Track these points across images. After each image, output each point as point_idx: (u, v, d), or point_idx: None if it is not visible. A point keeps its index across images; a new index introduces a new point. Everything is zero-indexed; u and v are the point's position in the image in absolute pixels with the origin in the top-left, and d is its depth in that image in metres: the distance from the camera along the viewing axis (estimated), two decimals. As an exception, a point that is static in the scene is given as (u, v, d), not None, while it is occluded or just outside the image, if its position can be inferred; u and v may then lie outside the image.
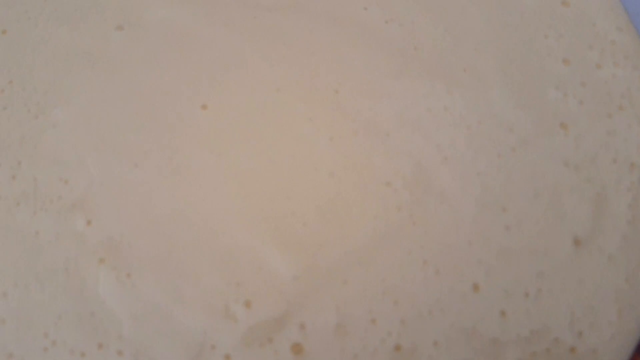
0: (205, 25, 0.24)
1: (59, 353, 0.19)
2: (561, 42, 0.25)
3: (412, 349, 0.19)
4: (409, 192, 0.21)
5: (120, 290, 0.20)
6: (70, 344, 0.19)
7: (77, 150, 0.22)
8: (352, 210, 0.21)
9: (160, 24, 0.24)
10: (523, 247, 0.20)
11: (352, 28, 0.24)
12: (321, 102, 0.23)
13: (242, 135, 0.22)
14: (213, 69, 0.23)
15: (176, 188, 0.21)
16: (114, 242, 0.21)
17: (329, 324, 0.19)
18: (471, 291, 0.20)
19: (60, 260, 0.21)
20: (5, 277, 0.20)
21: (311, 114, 0.23)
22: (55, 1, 0.25)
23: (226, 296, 0.20)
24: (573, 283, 0.20)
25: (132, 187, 0.21)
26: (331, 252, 0.20)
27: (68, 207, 0.21)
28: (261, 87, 0.23)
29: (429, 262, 0.20)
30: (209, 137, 0.22)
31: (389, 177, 0.22)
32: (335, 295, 0.20)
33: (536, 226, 0.21)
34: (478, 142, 0.22)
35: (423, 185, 0.21)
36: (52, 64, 0.24)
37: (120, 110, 0.23)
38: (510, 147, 0.22)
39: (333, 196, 0.21)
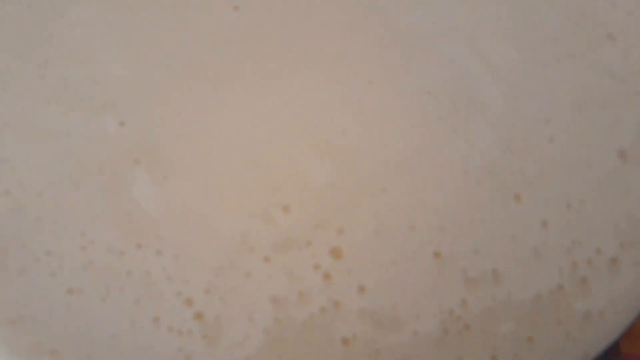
0: None
1: (97, 252, 0.19)
2: (613, -51, 0.23)
3: (451, 256, 0.19)
4: (451, 101, 0.21)
5: (157, 192, 0.20)
6: (108, 243, 0.19)
7: (107, 50, 0.21)
8: (391, 119, 0.21)
9: None
10: (566, 158, 0.20)
11: None
12: (359, 8, 0.22)
13: (275, 39, 0.22)
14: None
15: (210, 92, 0.21)
16: (149, 144, 0.20)
17: (367, 230, 0.19)
18: (513, 201, 0.19)
19: (94, 161, 0.20)
20: (39, 176, 0.20)
21: (349, 20, 0.22)
22: None
23: (265, 201, 0.20)
24: (617, 196, 0.20)
25: (165, 90, 0.21)
26: (370, 160, 0.20)
27: (99, 107, 0.21)
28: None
29: (470, 172, 0.20)
30: (241, 39, 0.21)
31: (430, 86, 0.21)
32: (374, 203, 0.20)
33: (580, 138, 0.20)
34: (522, 52, 0.21)
35: (465, 95, 0.21)
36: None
37: (148, 10, 0.22)
38: (555, 58, 0.22)
39: (372, 104, 0.21)
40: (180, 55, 0.21)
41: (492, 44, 0.21)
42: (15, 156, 0.20)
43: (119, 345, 0.19)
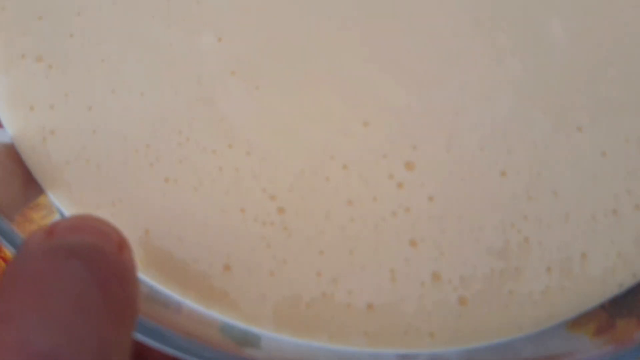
0: None
1: (192, 148, 0.21)
2: None
3: (516, 176, 0.21)
4: (522, 39, 0.22)
5: (249, 101, 0.22)
6: (202, 142, 0.21)
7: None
8: (466, 52, 0.22)
9: None
10: (626, 97, 0.21)
11: None
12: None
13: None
14: None
15: (302, 18, 0.23)
16: (244, 58, 0.22)
17: (439, 148, 0.21)
18: (575, 131, 0.21)
19: (193, 70, 0.22)
20: (143, 79, 0.22)
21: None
22: None
23: (346, 116, 0.21)
24: (673, 135, 0.21)
25: (261, 13, 0.23)
26: (445, 86, 0.22)
27: (200, 24, 0.23)
28: None
29: (537, 104, 0.21)
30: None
31: (503, 26, 0.22)
32: (447, 124, 0.21)
33: (640, 82, 0.22)
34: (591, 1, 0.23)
35: (535, 35, 0.22)
36: None
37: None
38: (620, 7, 0.23)
39: (449, 36, 0.22)
40: (277, -19, 0.23)
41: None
42: (121, 61, 0.22)
43: (208, 230, 0.21)
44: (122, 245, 0.17)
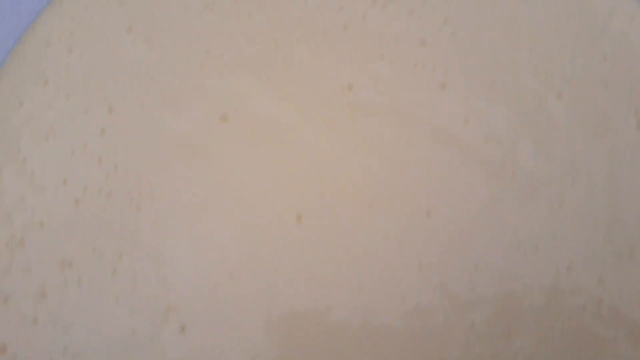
0: (305, 124, 0.24)
1: None
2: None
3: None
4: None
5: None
6: None
7: (176, 249, 0.23)
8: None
9: (261, 119, 0.24)
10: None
11: (450, 144, 0.24)
12: (412, 223, 0.23)
13: (335, 248, 0.23)
14: (310, 175, 0.24)
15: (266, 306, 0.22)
16: (205, 352, 0.22)
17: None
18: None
19: (154, 364, 0.22)
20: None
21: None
22: (160, 83, 0.26)
23: None
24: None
25: (226, 298, 0.22)
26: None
27: (163, 309, 0.22)
28: (356, 199, 0.23)
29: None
30: (303, 251, 0.23)
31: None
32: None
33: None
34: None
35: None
36: (155, 149, 0.24)
37: (219, 209, 0.23)
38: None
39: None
40: (243, 266, 0.22)
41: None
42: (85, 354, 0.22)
43: None
44: None
